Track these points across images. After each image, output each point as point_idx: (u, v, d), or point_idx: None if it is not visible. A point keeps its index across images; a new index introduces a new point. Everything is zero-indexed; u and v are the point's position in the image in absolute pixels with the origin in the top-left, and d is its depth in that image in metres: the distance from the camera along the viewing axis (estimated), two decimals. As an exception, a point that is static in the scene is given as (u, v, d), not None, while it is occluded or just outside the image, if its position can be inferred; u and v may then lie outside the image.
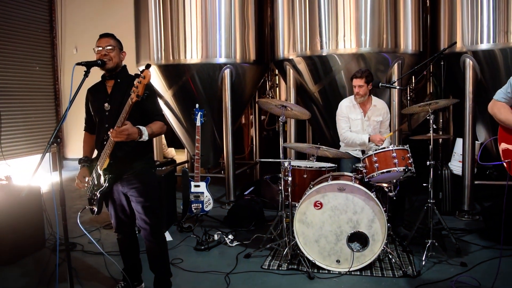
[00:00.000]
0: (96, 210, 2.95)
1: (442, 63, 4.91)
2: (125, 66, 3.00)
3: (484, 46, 4.73)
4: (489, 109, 3.07)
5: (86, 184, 2.97)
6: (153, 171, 3.10)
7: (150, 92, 2.86)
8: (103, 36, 2.91)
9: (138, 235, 3.91)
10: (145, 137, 2.70)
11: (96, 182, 2.90)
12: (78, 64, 2.65)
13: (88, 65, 2.73)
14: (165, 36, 5.69)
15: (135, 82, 2.44)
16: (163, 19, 5.69)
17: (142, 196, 2.90)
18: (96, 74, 2.94)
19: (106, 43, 2.85)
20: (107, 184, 2.83)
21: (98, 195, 2.89)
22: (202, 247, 4.18)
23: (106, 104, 2.87)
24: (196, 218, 5.00)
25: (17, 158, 7.67)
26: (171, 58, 5.67)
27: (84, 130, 3.18)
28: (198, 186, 4.97)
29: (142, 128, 2.70)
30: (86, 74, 2.69)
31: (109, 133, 2.61)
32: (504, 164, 2.90)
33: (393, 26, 5.08)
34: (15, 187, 4.16)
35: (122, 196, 2.99)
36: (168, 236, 4.52)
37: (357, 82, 4.29)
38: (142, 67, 6.04)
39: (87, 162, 3.01)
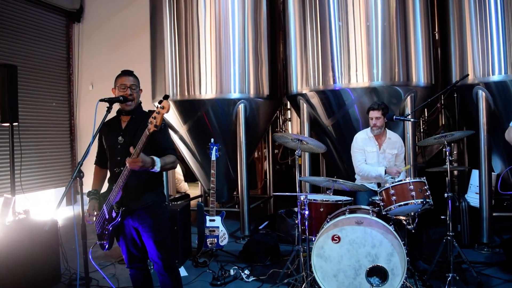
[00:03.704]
0: (107, 245, 2.94)
1: (455, 95, 4.94)
2: (140, 102, 3.06)
3: (496, 77, 4.78)
4: (506, 136, 3.12)
5: (94, 218, 2.96)
6: (164, 205, 3.10)
7: (164, 126, 2.91)
8: (125, 73, 2.96)
9: (152, 270, 3.88)
10: (157, 168, 2.70)
11: (107, 216, 2.90)
12: (101, 100, 2.72)
13: (111, 101, 2.80)
14: (180, 72, 5.82)
15: (154, 113, 2.47)
16: (178, 56, 5.84)
17: (153, 231, 2.90)
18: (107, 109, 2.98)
19: (130, 82, 2.92)
20: (119, 219, 2.83)
21: (110, 229, 2.88)
22: (218, 283, 4.13)
23: (120, 138, 2.92)
24: (211, 253, 4.97)
25: (32, 192, 7.74)
26: (186, 93, 5.78)
27: (94, 163, 3.20)
28: (213, 220, 4.96)
29: (156, 158, 2.71)
30: (109, 110, 2.76)
31: (126, 160, 2.61)
32: None
33: (405, 59, 5.15)
34: (33, 221, 4.19)
35: (133, 231, 2.99)
36: (183, 272, 4.49)
37: (374, 114, 4.33)
38: (157, 103, 6.16)
39: (96, 195, 3.02)
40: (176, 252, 4.62)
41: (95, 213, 2.96)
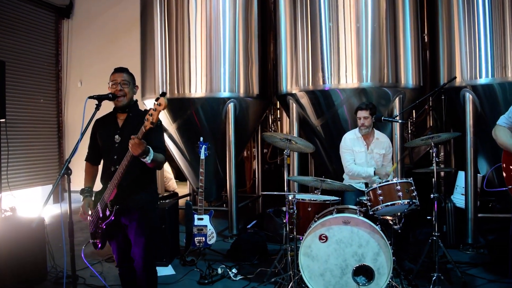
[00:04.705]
0: (100, 244, 2.93)
1: (443, 97, 5.00)
2: (136, 101, 3.04)
3: (483, 80, 4.84)
4: (492, 133, 3.21)
5: (89, 217, 2.96)
6: (156, 205, 3.10)
7: (158, 127, 2.89)
8: (118, 70, 2.95)
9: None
10: (148, 159, 2.69)
11: (101, 215, 2.88)
12: (90, 97, 2.70)
13: (100, 98, 2.78)
14: (170, 70, 5.81)
15: (150, 110, 2.47)
16: (168, 54, 5.83)
17: (140, 228, 2.90)
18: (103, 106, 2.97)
19: (122, 78, 2.90)
20: (113, 217, 2.83)
21: (104, 227, 2.88)
22: (206, 281, 4.14)
23: (116, 136, 2.90)
24: (199, 251, 4.97)
25: (18, 189, 7.66)
26: (176, 92, 5.77)
27: (85, 160, 3.15)
28: (202, 219, 4.96)
29: (150, 148, 2.70)
30: (98, 107, 2.74)
31: (130, 142, 2.59)
32: (509, 189, 2.97)
33: (394, 61, 5.19)
34: (20, 219, 4.15)
35: (124, 228, 2.99)
36: (171, 270, 4.49)
37: (362, 113, 4.39)
38: (147, 101, 6.15)
39: (90, 193, 3.00)
40: (164, 250, 4.62)
41: (90, 211, 2.95)
